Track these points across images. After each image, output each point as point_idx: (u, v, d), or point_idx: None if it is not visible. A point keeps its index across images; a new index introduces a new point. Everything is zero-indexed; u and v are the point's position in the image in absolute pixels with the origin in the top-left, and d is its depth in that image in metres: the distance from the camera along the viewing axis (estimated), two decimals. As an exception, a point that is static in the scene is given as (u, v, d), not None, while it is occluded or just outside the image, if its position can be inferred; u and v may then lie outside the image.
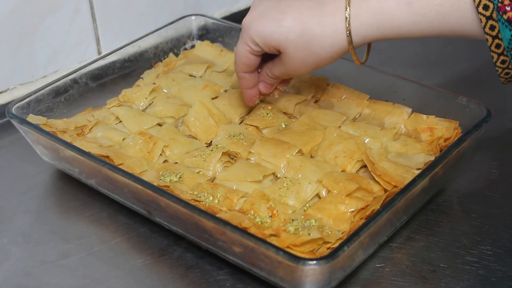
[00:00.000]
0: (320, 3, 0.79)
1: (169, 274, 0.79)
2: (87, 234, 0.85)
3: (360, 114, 0.97)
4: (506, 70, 0.75)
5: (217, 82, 1.04)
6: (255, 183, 0.84)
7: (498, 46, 0.72)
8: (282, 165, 0.87)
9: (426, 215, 0.86)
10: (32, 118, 0.92)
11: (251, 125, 0.94)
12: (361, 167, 0.87)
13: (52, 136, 0.87)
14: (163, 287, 0.78)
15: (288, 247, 0.73)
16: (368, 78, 0.99)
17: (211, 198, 0.80)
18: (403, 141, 0.90)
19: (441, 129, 0.89)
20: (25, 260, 0.82)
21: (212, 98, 0.99)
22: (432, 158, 0.85)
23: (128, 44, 1.07)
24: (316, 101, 1.00)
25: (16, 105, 0.92)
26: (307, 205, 0.82)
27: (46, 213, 0.89)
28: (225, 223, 0.72)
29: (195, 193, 0.81)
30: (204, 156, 0.88)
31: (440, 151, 0.87)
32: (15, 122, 0.90)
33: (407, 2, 0.74)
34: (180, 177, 0.84)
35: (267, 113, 0.95)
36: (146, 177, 0.83)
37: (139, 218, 0.86)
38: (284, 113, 0.97)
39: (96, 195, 0.89)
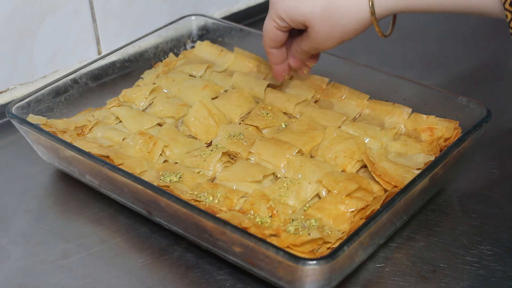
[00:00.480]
0: None
1: (169, 274, 0.79)
2: (87, 234, 0.85)
3: (360, 114, 0.97)
4: None
5: (217, 82, 1.04)
6: (255, 183, 0.84)
7: None
8: (282, 165, 0.87)
9: (426, 215, 0.86)
10: (32, 118, 0.92)
11: (251, 125, 0.94)
12: (361, 167, 0.87)
13: (52, 136, 0.87)
14: (163, 287, 0.78)
15: (288, 247, 0.73)
16: (368, 78, 0.99)
17: (211, 198, 0.80)
18: (403, 141, 0.90)
19: (441, 129, 0.89)
20: (25, 260, 0.82)
21: (212, 98, 0.99)
22: (432, 158, 0.85)
23: (128, 44, 1.07)
24: (316, 101, 1.00)
25: (16, 105, 0.92)
26: (307, 205, 0.82)
27: (46, 213, 0.89)
28: (225, 223, 0.72)
29: (195, 193, 0.81)
30: (204, 156, 0.88)
31: (440, 151, 0.87)
32: (15, 122, 0.90)
33: None
34: (180, 177, 0.84)
35: (267, 113, 0.95)
36: (146, 177, 0.83)
37: (139, 218, 0.86)
38: (284, 113, 0.97)
39: (96, 195, 0.89)
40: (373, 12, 0.79)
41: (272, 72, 0.95)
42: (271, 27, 0.87)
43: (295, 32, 0.89)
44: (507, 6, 0.71)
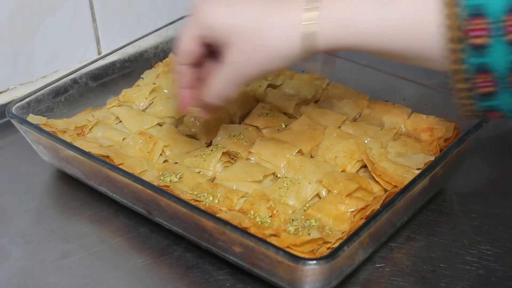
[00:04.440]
0: None
1: (169, 274, 0.79)
2: (87, 234, 0.85)
3: (360, 114, 0.97)
4: (465, 101, 0.68)
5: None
6: (255, 183, 0.84)
7: (459, 72, 0.65)
8: (282, 165, 0.87)
9: (426, 215, 0.86)
10: (32, 118, 0.92)
11: (251, 125, 0.94)
12: (361, 167, 0.87)
13: (52, 136, 0.87)
14: (163, 287, 0.78)
15: (288, 247, 0.73)
16: (368, 78, 0.99)
17: (211, 198, 0.80)
18: (403, 141, 0.90)
19: (441, 129, 0.89)
20: (25, 260, 0.82)
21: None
22: (432, 158, 0.85)
23: (128, 44, 1.07)
24: (316, 101, 1.00)
25: (16, 105, 0.92)
26: (307, 205, 0.82)
27: (46, 213, 0.89)
28: (225, 223, 0.72)
29: (195, 193, 0.81)
30: (204, 156, 0.88)
31: (440, 151, 0.87)
32: (15, 122, 0.90)
33: (376, 5, 0.66)
34: (180, 177, 0.84)
35: (267, 113, 0.95)
36: (146, 177, 0.83)
37: (139, 218, 0.86)
38: (284, 113, 0.97)
39: (96, 195, 0.89)
40: (306, 40, 0.68)
41: (176, 99, 0.80)
42: (188, 36, 0.73)
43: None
44: (448, 53, 0.65)
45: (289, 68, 0.70)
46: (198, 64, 0.77)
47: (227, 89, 0.74)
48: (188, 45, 0.74)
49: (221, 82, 0.73)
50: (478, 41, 0.63)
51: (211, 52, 0.75)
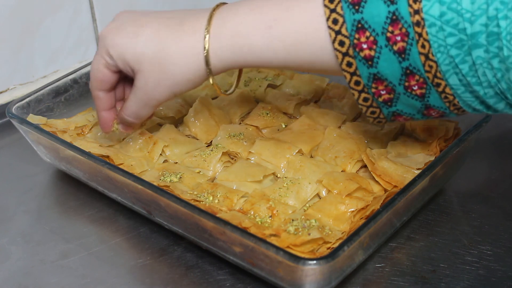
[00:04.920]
0: (181, 22, 0.73)
1: (169, 274, 0.79)
2: (87, 234, 0.85)
3: (360, 114, 0.97)
4: (371, 109, 0.72)
5: (217, 82, 1.03)
6: (255, 183, 0.84)
7: (357, 83, 0.69)
8: (282, 165, 0.87)
9: (426, 215, 0.86)
10: (32, 118, 0.92)
11: (251, 125, 0.94)
12: (361, 167, 0.87)
13: (52, 136, 0.87)
14: (163, 287, 0.78)
15: (288, 247, 0.73)
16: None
17: (211, 198, 0.80)
18: (403, 141, 0.90)
19: (441, 129, 0.89)
20: (25, 260, 0.82)
21: (212, 98, 0.99)
22: (432, 158, 0.85)
23: (128, 44, 1.06)
24: (316, 101, 1.00)
25: (16, 105, 0.92)
26: (307, 205, 0.82)
27: (46, 213, 0.89)
28: (225, 223, 0.72)
29: (195, 193, 0.81)
30: (204, 156, 0.88)
31: (440, 151, 0.87)
32: (15, 122, 0.90)
33: (266, 26, 0.70)
34: (180, 177, 0.84)
35: (267, 113, 0.95)
36: (146, 177, 0.83)
37: (139, 218, 0.86)
38: (284, 113, 0.97)
39: (96, 195, 0.89)
40: (208, 63, 0.72)
41: (99, 120, 0.83)
42: (99, 65, 0.77)
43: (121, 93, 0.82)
44: (343, 67, 0.69)
45: (198, 87, 0.76)
46: (113, 88, 0.81)
47: (140, 110, 0.78)
48: (99, 72, 0.78)
49: (134, 105, 0.78)
50: (367, 52, 0.67)
51: (127, 75, 0.78)
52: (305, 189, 0.82)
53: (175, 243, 0.83)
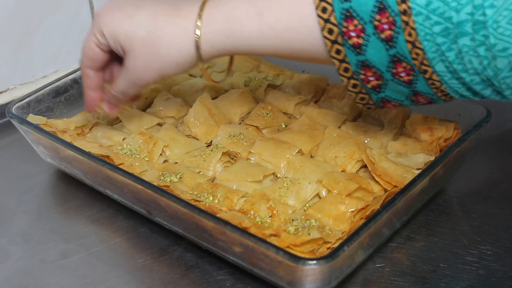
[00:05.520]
0: (177, 6, 0.75)
1: (169, 274, 0.79)
2: (87, 234, 0.85)
3: (360, 114, 0.97)
4: (361, 95, 0.73)
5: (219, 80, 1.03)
6: (255, 183, 0.84)
7: (346, 70, 0.71)
8: (282, 165, 0.87)
9: (426, 215, 0.86)
10: (32, 118, 0.92)
11: (251, 125, 0.94)
12: (361, 167, 0.87)
13: (52, 136, 0.87)
14: (163, 287, 0.78)
15: (288, 247, 0.73)
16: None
17: (211, 198, 0.80)
18: (403, 141, 0.90)
19: (441, 129, 0.89)
20: (25, 260, 0.82)
21: (212, 98, 0.99)
22: (432, 158, 0.85)
23: (128, 44, 1.06)
24: (316, 101, 1.00)
25: (16, 105, 0.92)
26: (307, 205, 0.82)
27: (46, 213, 0.89)
28: (225, 223, 0.72)
29: (195, 193, 0.81)
30: (204, 156, 0.88)
31: (440, 151, 0.87)
32: (15, 122, 0.90)
33: (257, 12, 0.71)
34: (180, 177, 0.84)
35: (267, 113, 0.95)
36: (146, 177, 0.83)
37: (139, 218, 0.86)
38: (284, 113, 0.97)
39: (96, 195, 0.89)
40: (198, 47, 0.73)
41: (84, 98, 0.85)
42: (91, 42, 0.78)
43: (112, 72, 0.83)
44: (333, 54, 0.70)
45: (187, 72, 0.76)
46: (102, 67, 0.82)
47: (128, 89, 0.80)
48: (91, 51, 0.79)
49: (123, 83, 0.80)
50: (355, 40, 0.68)
51: (117, 56, 0.80)
52: (305, 189, 0.82)
53: (175, 243, 0.83)
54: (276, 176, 0.87)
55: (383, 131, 0.91)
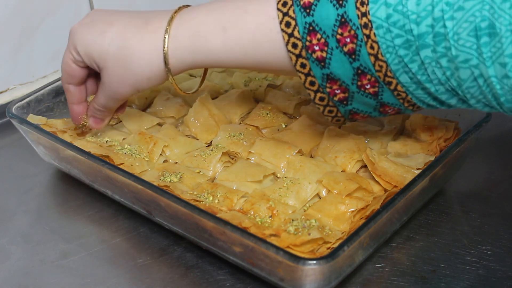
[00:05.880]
0: (147, 22, 0.76)
1: (169, 274, 0.79)
2: (87, 234, 0.85)
3: (360, 114, 0.97)
4: (328, 108, 0.74)
5: (217, 82, 1.04)
6: (255, 183, 0.84)
7: (312, 83, 0.71)
8: (282, 165, 0.87)
9: (426, 215, 0.86)
10: (32, 118, 0.92)
11: (251, 125, 0.94)
12: (361, 167, 0.87)
13: (52, 136, 0.87)
14: (163, 287, 0.78)
15: (288, 247, 0.73)
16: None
17: (211, 198, 0.80)
18: (403, 141, 0.90)
19: (441, 129, 0.89)
20: (25, 260, 0.82)
21: (212, 98, 0.99)
22: (432, 158, 0.85)
23: (128, 44, 1.06)
24: (316, 101, 1.00)
25: (16, 105, 0.92)
26: (307, 205, 0.82)
27: (46, 213, 0.89)
28: (225, 223, 0.72)
29: (195, 193, 0.81)
30: (204, 156, 0.88)
31: (440, 151, 0.87)
32: (15, 122, 0.90)
33: (222, 27, 0.73)
34: (180, 177, 0.84)
35: (267, 113, 0.95)
36: (146, 177, 0.83)
37: (139, 218, 0.86)
38: (284, 113, 0.97)
39: (96, 195, 0.89)
40: (166, 63, 0.74)
41: (70, 113, 0.87)
42: (68, 59, 0.81)
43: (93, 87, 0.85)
44: (298, 68, 0.71)
45: (161, 84, 0.80)
46: (82, 82, 0.84)
47: (108, 102, 0.83)
48: (68, 67, 0.82)
49: (102, 98, 0.82)
50: (319, 54, 0.69)
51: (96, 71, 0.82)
52: (305, 189, 0.82)
53: (175, 243, 0.83)
54: (276, 176, 0.87)
55: (383, 131, 0.91)
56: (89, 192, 0.90)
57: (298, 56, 0.70)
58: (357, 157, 0.87)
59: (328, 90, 0.71)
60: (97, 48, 0.77)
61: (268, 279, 0.74)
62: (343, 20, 0.66)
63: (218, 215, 0.75)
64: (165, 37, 0.74)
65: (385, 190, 0.82)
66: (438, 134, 0.89)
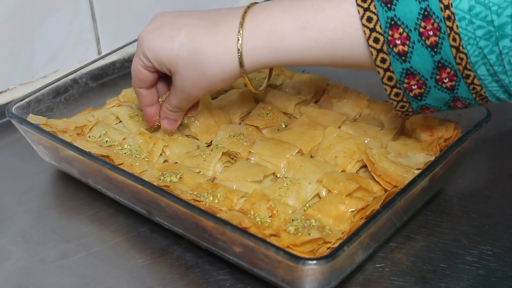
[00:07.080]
0: (216, 23, 0.76)
1: (169, 274, 0.79)
2: (87, 234, 0.85)
3: (360, 114, 0.97)
4: (402, 103, 0.76)
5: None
6: (255, 183, 0.84)
7: (390, 78, 0.73)
8: (282, 165, 0.87)
9: (426, 215, 0.86)
10: (32, 118, 0.92)
11: (251, 125, 0.94)
12: (361, 167, 0.87)
13: (52, 136, 0.87)
14: (163, 287, 0.78)
15: (288, 247, 0.73)
16: (368, 78, 0.99)
17: (211, 198, 0.80)
18: (403, 141, 0.90)
19: (441, 129, 0.89)
20: (25, 260, 0.82)
21: (212, 98, 0.99)
22: (432, 158, 0.85)
23: (128, 44, 1.06)
24: (316, 101, 1.00)
25: (16, 105, 0.92)
26: (307, 205, 0.82)
27: (46, 213, 0.89)
28: (225, 223, 0.72)
29: (195, 193, 0.81)
30: (204, 156, 0.88)
31: (440, 151, 0.87)
32: (15, 122, 0.90)
33: (300, 26, 0.73)
34: (180, 177, 0.84)
35: (267, 113, 0.95)
36: (146, 177, 0.83)
37: (139, 218, 0.86)
38: (284, 113, 0.97)
39: (96, 195, 0.89)
40: (242, 64, 0.75)
41: (144, 115, 0.88)
42: (138, 65, 0.81)
43: (164, 88, 0.86)
44: (378, 63, 0.72)
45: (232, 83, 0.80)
46: (153, 85, 0.84)
47: (180, 104, 0.83)
48: (138, 72, 0.82)
49: (175, 100, 0.83)
50: (401, 48, 0.70)
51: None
52: (305, 189, 0.82)
53: (175, 243, 0.83)
54: (276, 176, 0.87)
55: (383, 131, 0.91)
56: (89, 192, 0.90)
57: (379, 51, 0.71)
58: (357, 157, 0.87)
59: (405, 85, 0.73)
60: (167, 54, 0.77)
61: (268, 279, 0.74)
62: (426, 13, 0.68)
63: (218, 215, 0.75)
64: (238, 39, 0.74)
65: (385, 190, 0.82)
66: (438, 134, 0.89)
